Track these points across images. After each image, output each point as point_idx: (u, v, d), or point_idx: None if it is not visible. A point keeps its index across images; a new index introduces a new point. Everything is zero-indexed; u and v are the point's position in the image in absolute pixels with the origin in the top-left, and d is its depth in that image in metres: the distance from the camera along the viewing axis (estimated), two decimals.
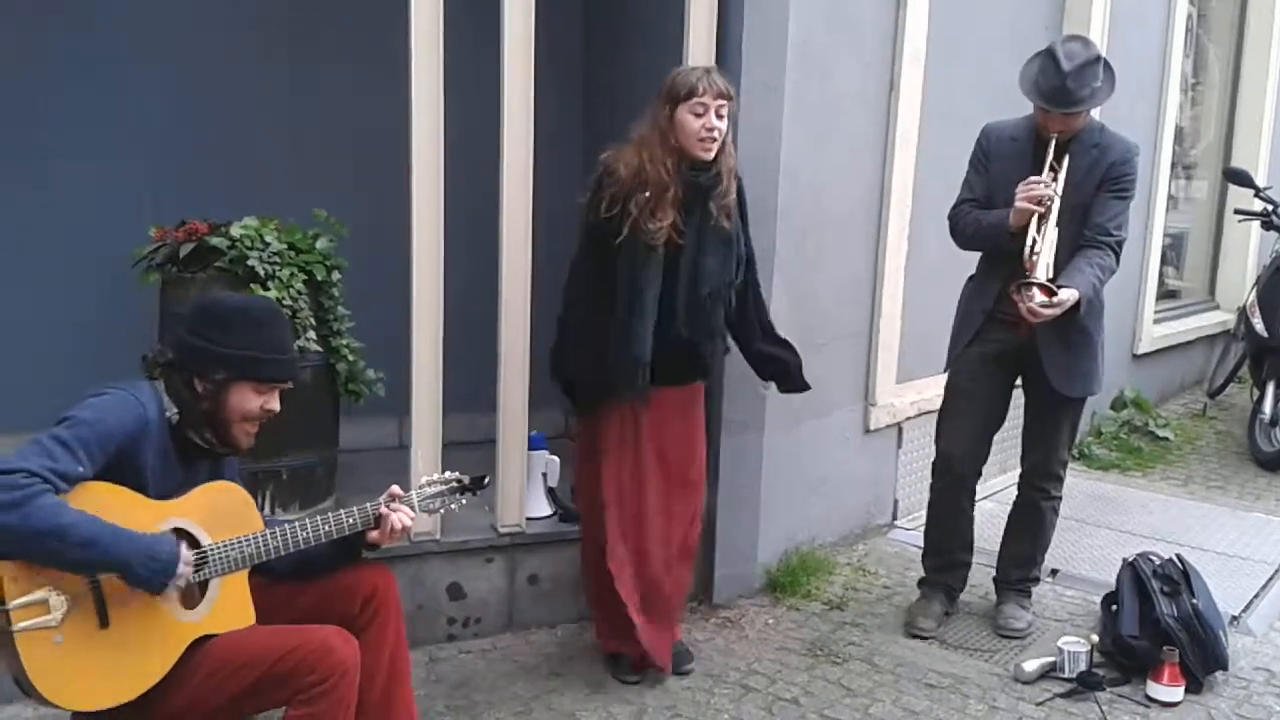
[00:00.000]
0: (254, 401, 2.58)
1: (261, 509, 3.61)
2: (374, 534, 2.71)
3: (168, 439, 2.52)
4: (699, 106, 3.22)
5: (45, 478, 2.24)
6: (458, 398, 3.82)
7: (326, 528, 2.62)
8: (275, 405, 2.63)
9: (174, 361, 2.54)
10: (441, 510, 2.88)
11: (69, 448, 2.30)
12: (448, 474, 2.88)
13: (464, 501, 2.87)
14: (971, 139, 3.87)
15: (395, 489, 2.76)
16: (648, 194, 3.23)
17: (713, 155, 3.28)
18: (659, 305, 3.32)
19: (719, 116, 3.24)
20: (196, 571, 2.46)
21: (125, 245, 3.76)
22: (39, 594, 2.27)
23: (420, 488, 2.82)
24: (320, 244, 3.77)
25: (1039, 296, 3.45)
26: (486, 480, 2.92)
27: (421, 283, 3.63)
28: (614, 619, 3.57)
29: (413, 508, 2.76)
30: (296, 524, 2.59)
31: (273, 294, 3.53)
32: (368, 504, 2.70)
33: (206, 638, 2.49)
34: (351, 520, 2.66)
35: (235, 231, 3.61)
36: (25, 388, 3.84)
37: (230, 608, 2.55)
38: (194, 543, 2.49)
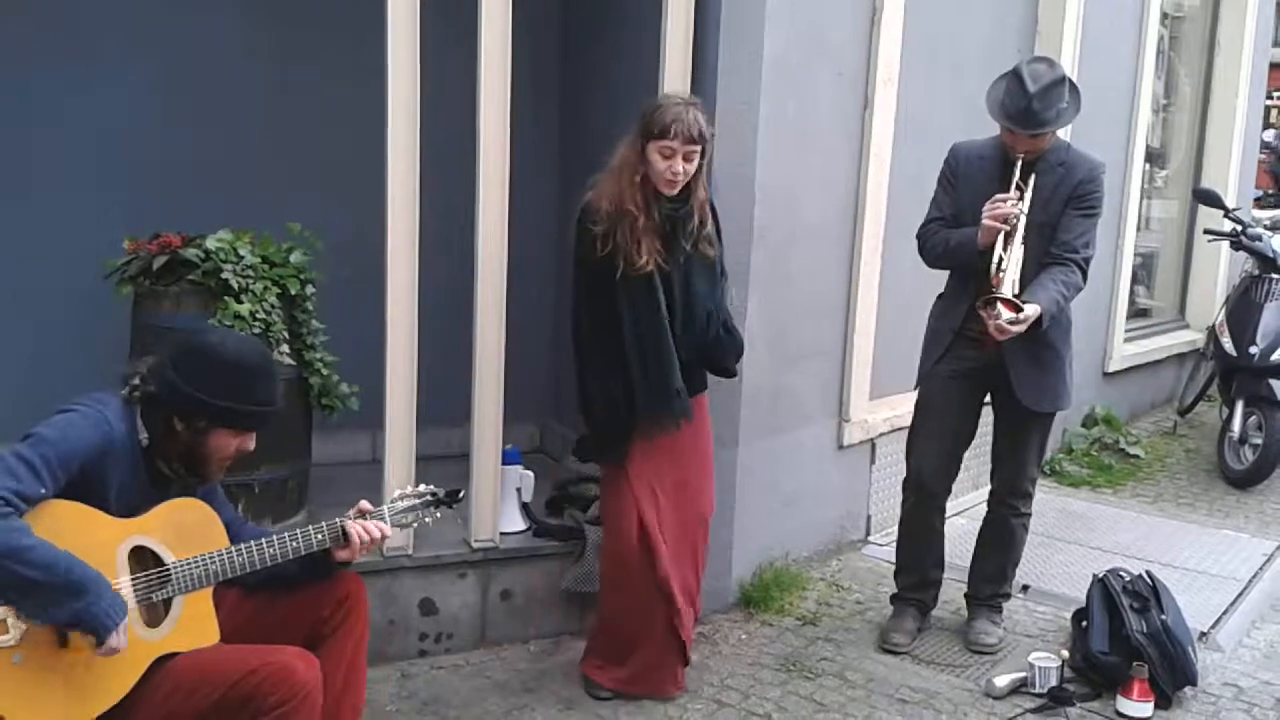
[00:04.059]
0: (231, 444, 2.58)
1: None
2: (343, 553, 2.69)
3: (138, 459, 2.50)
4: (667, 150, 3.24)
5: (8, 500, 2.23)
6: (432, 412, 3.82)
7: (294, 544, 2.61)
8: (250, 445, 2.63)
9: (156, 397, 2.52)
10: (415, 524, 2.86)
11: (33, 468, 2.29)
12: (421, 487, 2.85)
13: (438, 515, 2.85)
14: (944, 157, 3.91)
15: (364, 504, 2.74)
16: (627, 221, 3.28)
17: (675, 192, 3.31)
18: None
19: (686, 160, 3.26)
20: (160, 589, 2.45)
21: (98, 257, 3.74)
22: None
23: (393, 501, 2.81)
24: (294, 257, 3.77)
25: (1005, 314, 3.48)
26: (461, 494, 2.90)
27: (396, 296, 3.62)
28: (618, 645, 3.58)
29: (385, 522, 2.74)
30: (263, 541, 2.58)
31: (245, 307, 3.52)
32: (337, 519, 2.68)
33: (169, 656, 2.47)
34: (320, 536, 2.65)
35: (209, 244, 3.61)
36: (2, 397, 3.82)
37: (194, 626, 2.53)
38: (157, 560, 2.48)
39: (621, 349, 3.36)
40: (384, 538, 2.75)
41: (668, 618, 3.53)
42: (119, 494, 2.44)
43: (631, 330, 3.34)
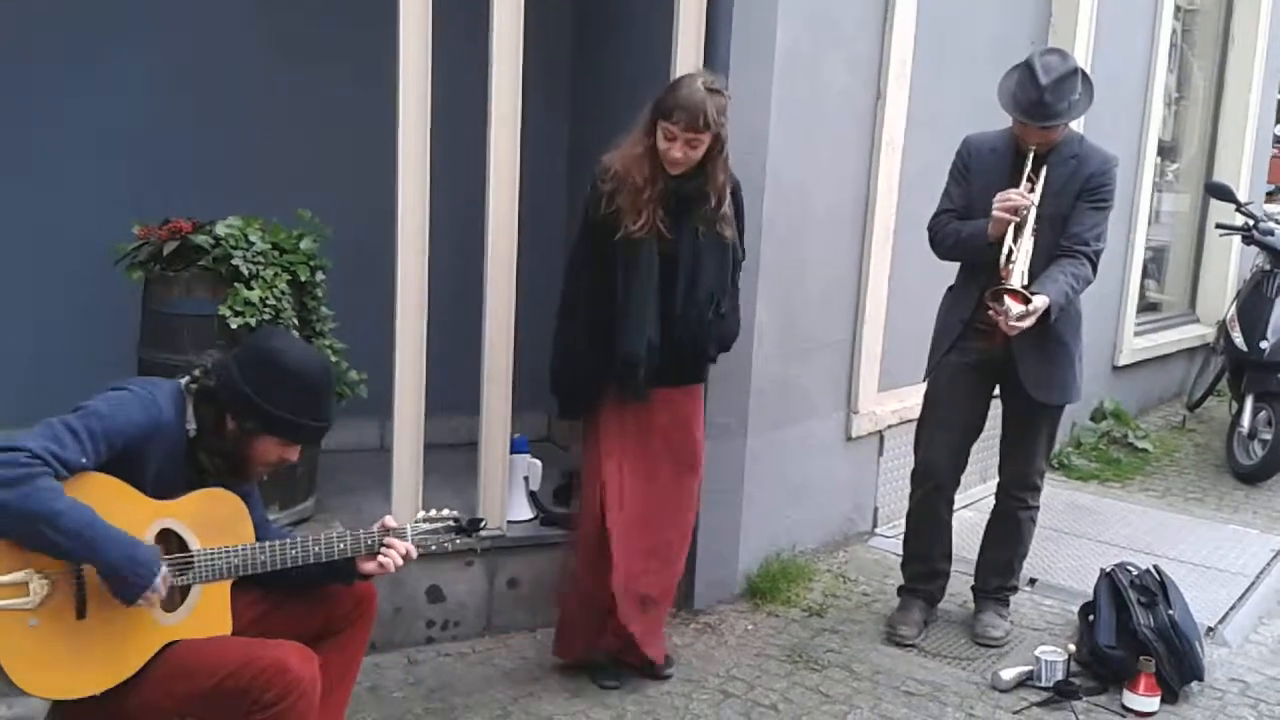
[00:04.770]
0: (275, 452, 2.60)
1: None
2: (368, 565, 2.70)
3: (182, 448, 2.52)
4: (669, 132, 3.25)
5: (47, 460, 2.24)
6: (440, 400, 3.82)
7: (317, 549, 2.61)
8: (293, 457, 2.65)
9: (214, 391, 2.53)
10: (434, 548, 2.86)
11: (77, 436, 2.31)
12: (445, 512, 2.86)
13: (458, 542, 2.87)
14: (956, 148, 3.90)
15: (389, 520, 2.74)
16: (631, 186, 3.30)
17: (679, 172, 3.31)
18: (661, 306, 3.37)
19: (689, 146, 3.25)
20: (181, 575, 2.46)
21: (109, 242, 3.75)
22: (20, 575, 2.28)
23: (415, 523, 2.81)
24: (304, 244, 3.77)
25: (1015, 309, 3.47)
26: (483, 523, 2.91)
27: (405, 285, 3.63)
28: (589, 620, 3.60)
29: (407, 540, 2.75)
30: (287, 541, 2.59)
31: (255, 294, 3.52)
32: (360, 530, 2.69)
33: (175, 642, 2.48)
34: (343, 545, 2.65)
35: (219, 230, 3.61)
36: (11, 381, 3.83)
37: (208, 615, 2.53)
38: (182, 545, 2.49)
39: (605, 311, 3.38)
40: (407, 558, 2.75)
41: (605, 605, 3.53)
42: (157, 478, 2.45)
43: (622, 292, 3.36)
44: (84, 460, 2.31)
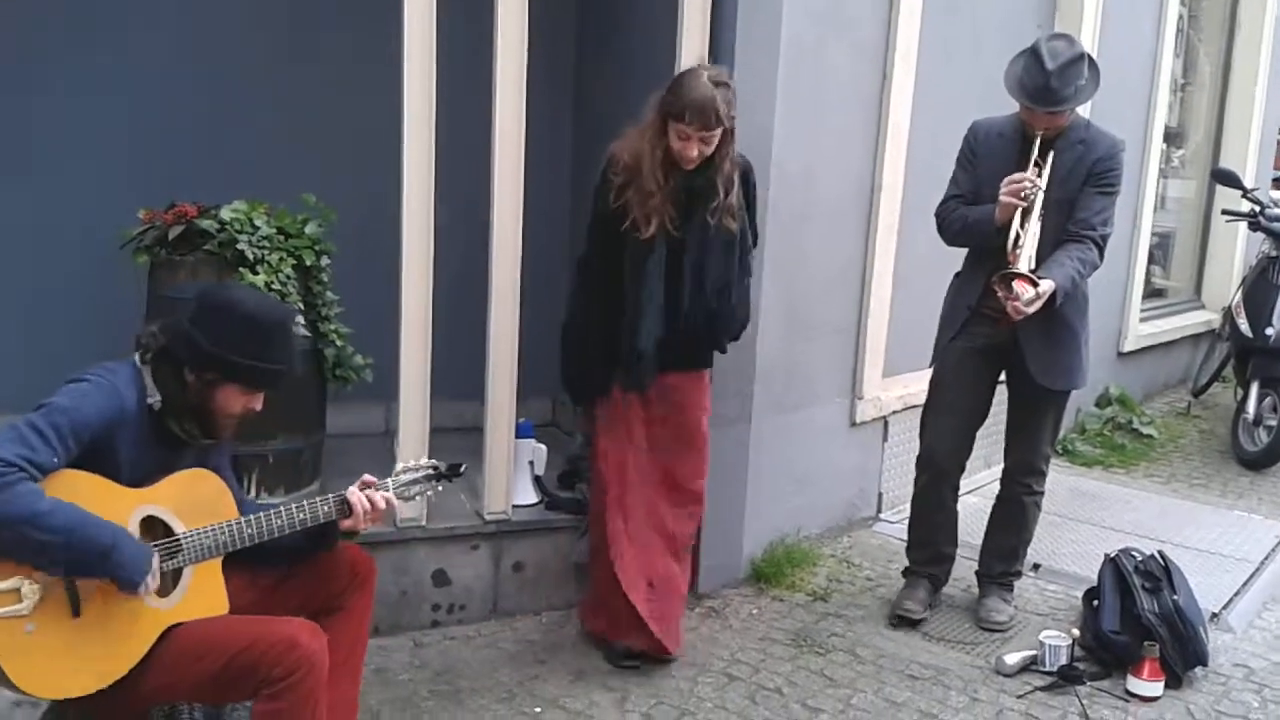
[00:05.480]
0: (238, 401, 2.58)
1: (247, 493, 3.63)
2: (346, 523, 2.71)
3: (147, 426, 2.50)
4: (683, 133, 3.24)
5: (21, 467, 2.24)
6: (446, 385, 3.82)
7: (301, 515, 2.62)
8: (257, 405, 2.64)
9: (168, 350, 2.52)
10: (418, 497, 2.88)
11: (44, 437, 2.29)
12: (424, 461, 2.88)
13: (439, 489, 2.88)
14: (962, 134, 3.89)
15: (368, 477, 2.76)
16: (641, 185, 3.30)
17: (693, 166, 3.31)
18: (668, 299, 3.40)
19: (705, 143, 3.26)
20: (170, 559, 2.46)
21: (114, 226, 3.75)
22: (11, 582, 2.28)
23: (396, 475, 2.82)
24: (309, 229, 3.77)
25: (1024, 294, 3.46)
26: (463, 468, 2.92)
27: (411, 270, 3.63)
28: (611, 606, 3.60)
29: (389, 494, 2.76)
30: (271, 512, 2.60)
31: (261, 278, 3.52)
32: (344, 492, 2.70)
33: (178, 625, 2.49)
34: (326, 508, 2.66)
35: (224, 215, 3.61)
36: (12, 367, 3.84)
37: (203, 596, 2.54)
38: (167, 530, 2.49)
39: (614, 301, 3.41)
40: (388, 508, 2.76)
41: (622, 592, 3.54)
42: (130, 464, 2.45)
43: (630, 282, 3.38)
44: (55, 460, 2.30)
